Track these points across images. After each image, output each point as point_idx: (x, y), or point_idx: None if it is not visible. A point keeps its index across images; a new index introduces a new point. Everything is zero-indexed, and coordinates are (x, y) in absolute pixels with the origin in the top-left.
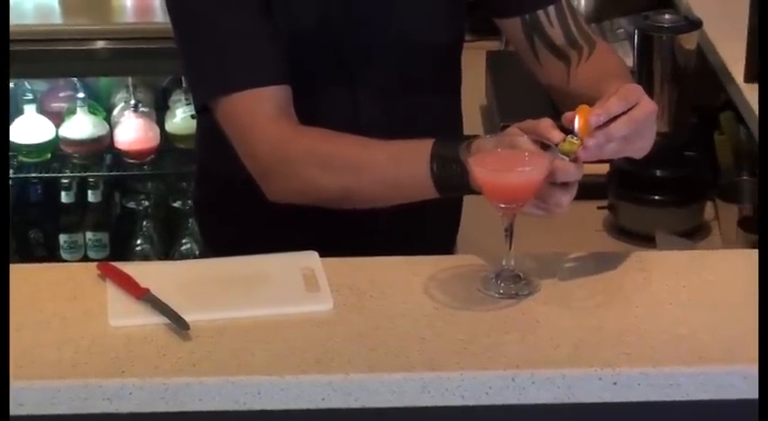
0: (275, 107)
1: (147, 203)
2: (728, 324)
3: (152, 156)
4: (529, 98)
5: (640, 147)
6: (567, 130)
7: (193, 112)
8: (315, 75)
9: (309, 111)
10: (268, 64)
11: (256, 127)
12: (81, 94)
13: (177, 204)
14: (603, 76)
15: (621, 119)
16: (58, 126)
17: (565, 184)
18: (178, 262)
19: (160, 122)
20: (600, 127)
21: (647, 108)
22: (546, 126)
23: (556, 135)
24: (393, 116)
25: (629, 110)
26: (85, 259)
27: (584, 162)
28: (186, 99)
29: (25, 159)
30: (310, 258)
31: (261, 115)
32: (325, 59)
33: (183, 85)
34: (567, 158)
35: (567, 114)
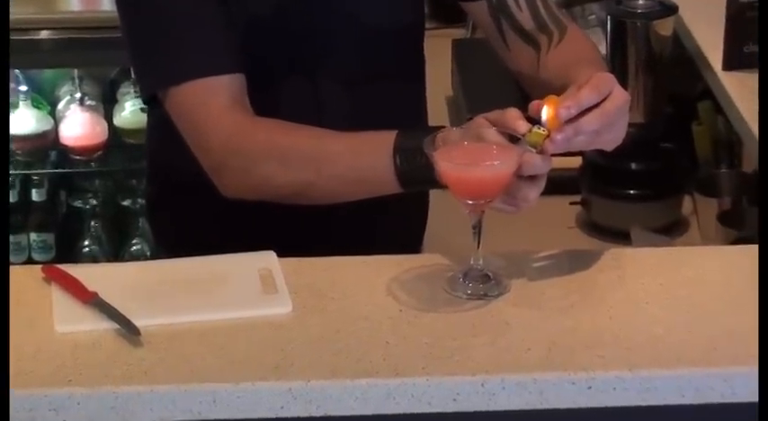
0: (229, 97)
1: (94, 202)
2: (708, 324)
3: (100, 152)
4: (497, 89)
5: (611, 140)
6: (535, 120)
7: (143, 106)
8: (273, 65)
9: (268, 104)
10: (221, 52)
11: (209, 118)
12: (23, 87)
13: (127, 203)
14: (574, 63)
15: (593, 112)
16: None
17: (532, 178)
18: (128, 263)
19: (108, 116)
20: (570, 120)
21: (619, 99)
22: (512, 116)
23: (522, 125)
24: (356, 106)
25: (601, 101)
26: (30, 261)
27: (552, 155)
28: (136, 91)
29: None
30: (267, 258)
31: (214, 106)
32: (283, 48)
33: (132, 76)
34: (534, 150)
35: (534, 103)
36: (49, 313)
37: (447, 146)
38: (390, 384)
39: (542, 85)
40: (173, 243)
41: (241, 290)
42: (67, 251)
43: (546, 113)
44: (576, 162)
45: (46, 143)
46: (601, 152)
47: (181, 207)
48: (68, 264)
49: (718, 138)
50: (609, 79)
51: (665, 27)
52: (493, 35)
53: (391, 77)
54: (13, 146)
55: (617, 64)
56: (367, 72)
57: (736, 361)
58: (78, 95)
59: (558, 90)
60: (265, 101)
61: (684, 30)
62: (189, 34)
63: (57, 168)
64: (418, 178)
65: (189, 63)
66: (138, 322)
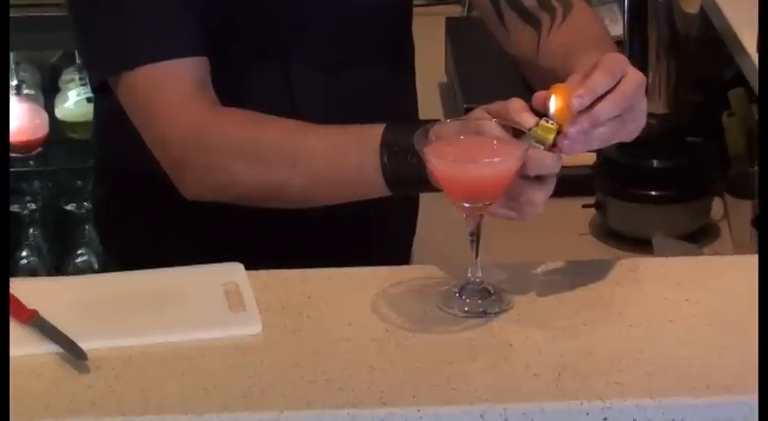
0: (191, 84)
1: (33, 207)
2: (741, 345)
3: (39, 148)
4: (498, 75)
5: (632, 129)
6: (542, 114)
7: (90, 95)
8: (240, 47)
9: (234, 91)
10: (182, 32)
11: (168, 108)
12: None
13: (71, 207)
14: (578, 45)
15: (609, 97)
16: None
17: (539, 178)
18: (73, 277)
19: (49, 107)
20: (581, 111)
21: (635, 80)
22: (515, 107)
23: (528, 118)
24: (333, 94)
25: (615, 85)
26: None
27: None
28: (81, 78)
29: None
30: (234, 271)
31: (173, 94)
32: (252, 28)
33: (77, 61)
34: (542, 147)
35: (539, 94)
36: None
37: (440, 141)
38: (376, 415)
39: (543, 73)
40: (124, 253)
41: (203, 307)
42: None
43: (554, 104)
44: (590, 159)
45: None
46: (618, 147)
47: (133, 212)
48: None
49: (753, 130)
50: (620, 60)
51: (691, 3)
52: (489, 14)
53: (374, 61)
54: None
55: (635, 46)
56: (346, 54)
57: None
58: (14, 83)
59: (562, 78)
60: (230, 86)
61: (713, 6)
62: (145, 11)
63: None
64: (408, 179)
65: (145, 44)
66: (85, 345)
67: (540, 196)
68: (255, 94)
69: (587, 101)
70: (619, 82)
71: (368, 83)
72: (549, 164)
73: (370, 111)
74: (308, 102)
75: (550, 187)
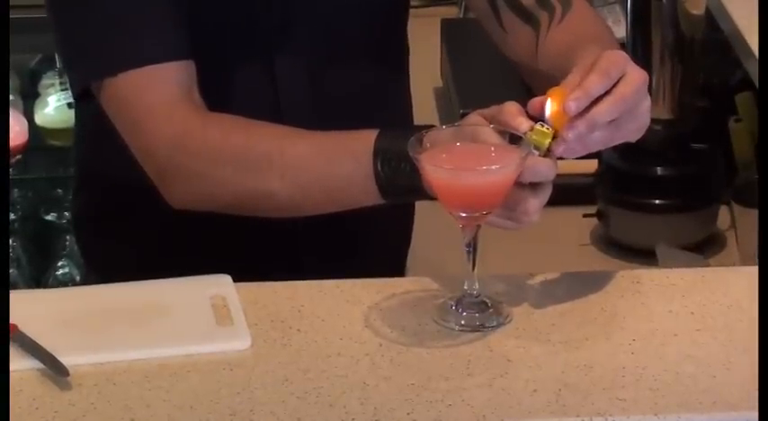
0: (177, 88)
1: (12, 216)
2: (749, 360)
3: (18, 156)
4: (495, 78)
5: (634, 130)
6: (537, 118)
7: (71, 100)
8: (224, 47)
9: (218, 94)
10: (166, 35)
11: (153, 114)
12: None
13: (51, 217)
14: (579, 43)
15: (606, 99)
16: None
17: (533, 186)
18: (54, 290)
19: (28, 113)
20: (580, 113)
21: (636, 80)
22: (510, 111)
23: (522, 122)
24: (320, 96)
25: (614, 86)
26: None
27: (561, 158)
28: (62, 83)
29: None
30: (221, 283)
31: (158, 99)
32: (236, 28)
33: (58, 65)
34: (538, 152)
35: (535, 100)
36: None
37: (436, 148)
38: None
39: (541, 76)
40: (107, 265)
41: (190, 321)
42: None
43: (550, 108)
44: (592, 166)
45: None
46: (620, 154)
47: (116, 222)
48: None
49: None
50: (619, 58)
51: (696, 4)
52: (486, 14)
53: (363, 62)
54: None
55: (639, 49)
56: (335, 58)
57: None
58: None
59: (561, 80)
60: (214, 89)
61: (719, 7)
62: (127, 13)
63: None
64: (402, 187)
65: (128, 48)
66: (67, 360)
67: (534, 204)
68: (240, 95)
69: (583, 104)
70: (618, 82)
71: (356, 85)
72: (543, 170)
73: (360, 115)
74: (293, 103)
75: (546, 195)
